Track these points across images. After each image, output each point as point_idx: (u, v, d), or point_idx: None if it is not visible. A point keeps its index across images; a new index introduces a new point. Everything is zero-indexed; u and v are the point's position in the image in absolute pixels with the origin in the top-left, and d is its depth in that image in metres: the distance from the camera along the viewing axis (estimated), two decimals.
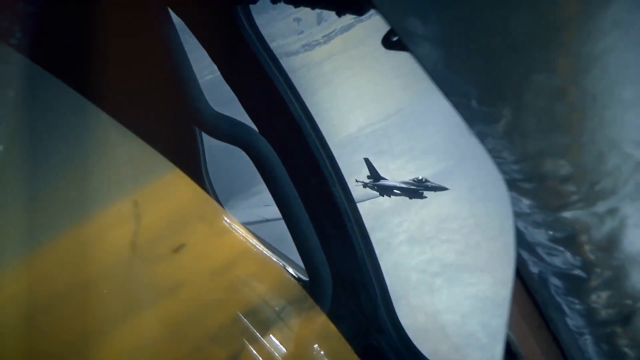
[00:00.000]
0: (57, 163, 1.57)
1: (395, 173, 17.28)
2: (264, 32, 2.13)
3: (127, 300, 1.79)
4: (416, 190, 16.60)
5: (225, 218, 2.19)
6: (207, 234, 1.98)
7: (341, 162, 2.25)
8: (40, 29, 1.53)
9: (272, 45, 2.16)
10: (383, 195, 17.31)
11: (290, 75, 2.18)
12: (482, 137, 0.81)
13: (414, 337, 2.21)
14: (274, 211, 2.37)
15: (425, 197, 16.50)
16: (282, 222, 2.26)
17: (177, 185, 1.91)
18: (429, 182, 16.46)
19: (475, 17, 0.73)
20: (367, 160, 17.89)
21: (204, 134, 2.32)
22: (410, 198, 16.64)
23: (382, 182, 17.61)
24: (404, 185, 16.96)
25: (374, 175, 17.81)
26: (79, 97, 1.53)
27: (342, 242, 2.28)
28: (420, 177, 16.75)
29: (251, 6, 2.11)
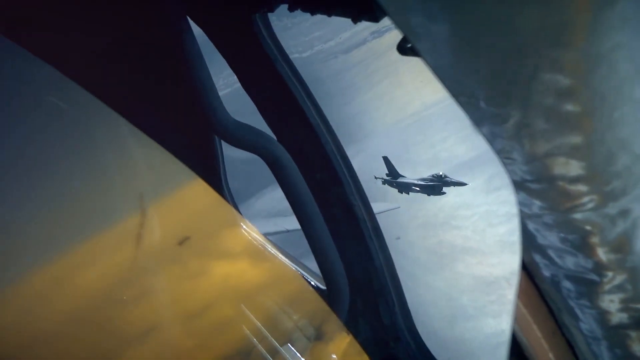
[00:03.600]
0: (75, 170, 1.61)
1: (417, 169, 17.33)
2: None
3: (148, 311, 1.83)
4: (435, 186, 16.56)
5: (244, 226, 2.22)
6: (226, 243, 2.00)
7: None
8: (64, 33, 1.60)
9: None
10: (402, 193, 17.30)
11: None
12: (491, 137, 0.81)
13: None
14: (294, 221, 2.38)
15: (444, 193, 16.50)
16: (300, 231, 2.29)
17: (196, 192, 1.95)
18: (448, 177, 16.43)
19: (481, 17, 0.73)
20: (385, 159, 17.90)
21: (223, 143, 2.38)
22: (429, 195, 16.63)
23: (400, 179, 17.58)
24: (422, 182, 16.90)
25: (393, 173, 17.79)
26: (100, 104, 1.58)
27: (360, 251, 2.28)
28: (439, 173, 16.69)
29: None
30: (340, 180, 2.28)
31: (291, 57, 2.29)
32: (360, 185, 2.25)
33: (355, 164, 2.37)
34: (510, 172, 0.80)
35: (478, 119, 0.79)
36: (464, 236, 15.47)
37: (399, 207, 15.64)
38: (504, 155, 0.80)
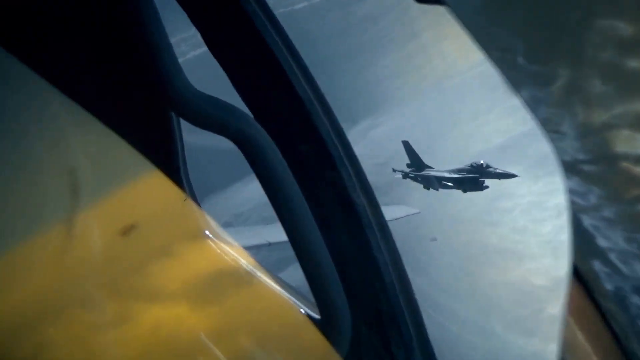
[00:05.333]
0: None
1: (448, 157, 17.38)
2: None
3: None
4: (474, 179, 16.49)
5: (210, 234, 2.24)
6: (183, 258, 2.02)
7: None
8: None
9: None
10: (429, 189, 17.22)
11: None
12: (533, 105, 0.81)
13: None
14: (278, 232, 2.37)
15: (486, 187, 16.44)
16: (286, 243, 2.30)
17: (144, 186, 1.97)
18: (491, 167, 16.31)
19: None
20: (406, 145, 17.76)
21: (182, 121, 2.38)
22: (465, 191, 16.57)
23: (427, 171, 17.47)
24: (457, 175, 16.79)
25: (416, 162, 17.61)
26: (22, 67, 1.59)
27: (365, 266, 2.29)
28: (479, 162, 16.57)
29: None
30: (338, 173, 2.28)
31: (278, 11, 2.30)
32: (365, 179, 2.24)
33: (359, 151, 2.39)
34: (558, 151, 0.81)
35: (516, 80, 0.80)
36: (500, 235, 15.65)
37: (418, 212, 15.63)
38: (550, 128, 0.80)
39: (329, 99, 2.39)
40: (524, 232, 15.60)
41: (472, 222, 16.54)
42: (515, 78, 0.78)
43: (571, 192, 0.84)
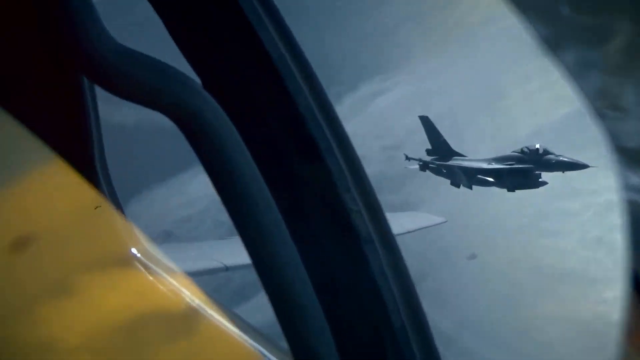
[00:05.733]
0: None
1: (484, 140, 17.19)
2: None
3: None
4: (525, 171, 16.20)
5: (136, 252, 2.26)
6: (98, 278, 2.02)
7: None
8: None
9: None
10: (459, 186, 16.95)
11: None
12: (581, 68, 0.83)
13: None
14: (238, 249, 2.38)
15: (544, 184, 16.26)
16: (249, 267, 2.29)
17: (48, 181, 1.97)
18: (551, 153, 15.92)
19: None
20: (425, 121, 17.33)
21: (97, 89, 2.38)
22: (512, 189, 16.31)
23: (455, 160, 17.14)
24: (500, 165, 16.46)
25: (439, 147, 17.13)
26: None
27: (362, 300, 2.30)
28: (535, 146, 16.27)
29: None
30: (324, 165, 2.29)
31: None
32: (363, 173, 2.21)
33: (359, 128, 2.39)
34: (615, 134, 0.83)
35: (559, 36, 0.81)
36: (563, 250, 15.45)
37: (444, 222, 15.48)
38: (605, 101, 0.83)
39: (316, 54, 2.42)
40: (598, 245, 15.28)
41: (523, 233, 16.35)
42: (560, 34, 0.80)
43: (632, 189, 0.87)
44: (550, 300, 14.85)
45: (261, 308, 2.32)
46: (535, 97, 17.76)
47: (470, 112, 18.78)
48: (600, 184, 15.79)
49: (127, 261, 2.09)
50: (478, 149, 17.19)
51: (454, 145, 17.02)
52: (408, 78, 19.20)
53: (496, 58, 18.63)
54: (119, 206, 2.49)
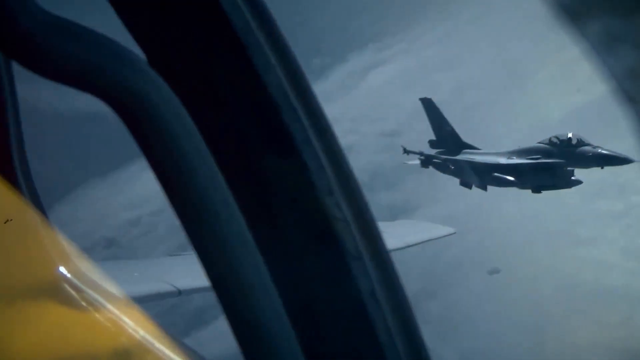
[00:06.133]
0: None
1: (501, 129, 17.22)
2: None
3: None
4: (554, 167, 16.22)
5: (65, 272, 2.23)
6: (21, 304, 2.00)
7: None
8: None
9: None
10: (470, 187, 17.00)
11: None
12: (611, 44, 0.83)
13: None
14: (191, 269, 2.37)
15: (579, 183, 16.28)
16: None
17: None
18: (588, 144, 15.97)
19: None
20: (427, 104, 17.36)
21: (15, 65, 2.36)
22: (538, 189, 16.32)
23: (466, 154, 17.19)
24: (522, 160, 16.48)
25: (445, 137, 17.24)
26: None
27: (347, 327, 2.31)
28: (567, 136, 16.28)
29: None
30: (300, 161, 2.28)
31: None
32: (348, 169, 2.21)
33: (348, 111, 2.38)
34: None
35: (585, 10, 0.82)
36: (602, 261, 15.54)
37: (453, 233, 15.47)
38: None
39: (293, 18, 2.40)
40: None
41: (553, 242, 16.42)
42: (587, 7, 0.81)
43: None
44: (587, 325, 14.94)
45: (221, 335, 2.31)
46: (560, 76, 17.83)
47: (484, 91, 18.74)
48: None
49: (53, 284, 2.02)
50: (494, 140, 17.13)
51: (464, 134, 16.94)
52: (408, 47, 19.17)
53: (513, 25, 18.73)
54: (42, 211, 2.43)
